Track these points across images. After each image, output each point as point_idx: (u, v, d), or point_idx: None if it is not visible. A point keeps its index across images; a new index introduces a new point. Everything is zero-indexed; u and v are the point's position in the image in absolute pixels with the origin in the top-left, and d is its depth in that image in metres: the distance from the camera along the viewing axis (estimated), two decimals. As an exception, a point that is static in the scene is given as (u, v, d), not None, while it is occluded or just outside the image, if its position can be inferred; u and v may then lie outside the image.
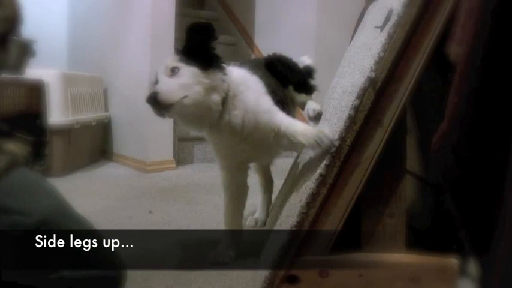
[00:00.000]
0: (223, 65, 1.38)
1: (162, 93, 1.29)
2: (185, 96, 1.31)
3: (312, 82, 1.79)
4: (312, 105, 1.64)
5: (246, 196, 1.61)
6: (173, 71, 1.32)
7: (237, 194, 1.58)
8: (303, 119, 1.59)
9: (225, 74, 1.37)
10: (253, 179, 1.61)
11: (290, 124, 1.38)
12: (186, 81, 1.31)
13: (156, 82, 1.33)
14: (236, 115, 1.39)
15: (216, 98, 1.35)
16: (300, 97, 1.73)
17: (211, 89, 1.34)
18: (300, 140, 1.33)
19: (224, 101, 1.37)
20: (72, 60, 4.08)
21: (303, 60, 1.84)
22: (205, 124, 1.42)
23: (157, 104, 1.28)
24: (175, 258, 1.57)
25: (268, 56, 1.81)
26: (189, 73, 1.32)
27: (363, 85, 1.18)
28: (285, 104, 1.56)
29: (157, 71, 1.36)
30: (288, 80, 1.68)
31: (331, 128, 1.29)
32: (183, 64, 1.33)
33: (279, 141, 1.41)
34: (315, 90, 1.78)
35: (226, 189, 1.57)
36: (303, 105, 1.73)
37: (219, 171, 1.59)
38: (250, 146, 1.45)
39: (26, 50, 0.99)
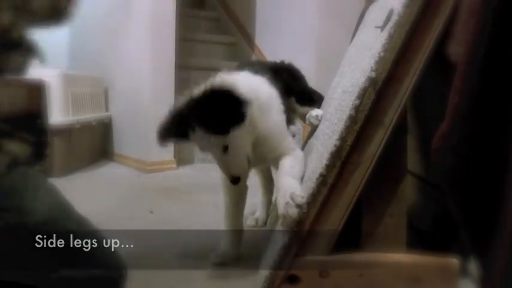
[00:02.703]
0: (247, 101, 1.31)
1: (241, 174, 1.36)
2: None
3: (313, 95, 1.78)
4: (314, 112, 1.62)
5: (245, 196, 1.61)
6: (223, 148, 1.32)
7: (237, 194, 1.58)
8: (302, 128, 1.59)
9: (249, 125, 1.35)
10: (253, 179, 1.61)
11: (283, 169, 1.38)
12: (242, 148, 1.34)
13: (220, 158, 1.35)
14: (254, 135, 1.39)
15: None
16: (302, 109, 1.71)
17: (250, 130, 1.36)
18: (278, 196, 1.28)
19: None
20: (73, 60, 4.07)
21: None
22: None
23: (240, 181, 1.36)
24: (176, 259, 1.57)
25: (276, 62, 1.80)
26: (235, 140, 1.32)
27: (363, 85, 1.18)
28: (287, 114, 1.55)
29: (201, 145, 1.38)
30: (291, 91, 1.67)
31: (332, 127, 1.29)
32: (224, 138, 1.30)
33: (274, 163, 1.44)
34: (317, 102, 1.77)
35: (227, 190, 1.57)
36: (302, 116, 1.71)
37: (219, 172, 1.58)
38: (254, 158, 1.43)
39: (29, 51, 0.99)
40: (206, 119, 1.29)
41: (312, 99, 1.75)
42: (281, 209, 1.19)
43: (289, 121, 1.54)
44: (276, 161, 1.43)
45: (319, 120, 1.55)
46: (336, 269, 1.21)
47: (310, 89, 1.80)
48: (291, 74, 1.73)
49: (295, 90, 1.69)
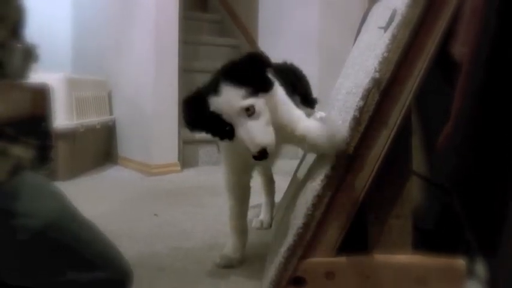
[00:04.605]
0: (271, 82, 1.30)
1: (270, 145, 1.21)
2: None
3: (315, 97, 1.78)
4: (318, 114, 1.61)
5: (249, 197, 1.60)
6: (249, 110, 1.22)
7: (241, 195, 1.57)
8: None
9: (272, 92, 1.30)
10: (254, 181, 1.61)
11: (310, 130, 1.33)
12: (269, 117, 1.25)
13: (230, 125, 1.23)
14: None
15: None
16: (304, 110, 1.70)
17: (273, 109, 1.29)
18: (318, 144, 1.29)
19: None
20: (77, 64, 4.09)
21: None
22: None
23: (268, 155, 1.21)
24: (181, 261, 1.58)
25: (278, 63, 1.80)
26: (263, 107, 1.24)
27: (367, 86, 1.17)
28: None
29: (219, 109, 1.23)
30: (296, 90, 1.65)
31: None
32: (253, 99, 1.23)
33: (301, 145, 1.41)
34: (317, 103, 1.76)
35: (231, 192, 1.56)
36: None
37: (223, 174, 1.58)
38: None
39: (29, 55, 0.99)
40: (236, 73, 1.25)
41: (314, 101, 1.76)
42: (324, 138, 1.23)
43: None
44: (295, 138, 1.36)
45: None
46: (342, 270, 1.21)
47: (311, 91, 1.79)
48: (295, 74, 1.73)
49: (300, 90, 1.67)
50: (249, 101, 1.22)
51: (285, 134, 1.34)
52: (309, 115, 1.63)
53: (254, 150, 1.20)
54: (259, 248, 1.60)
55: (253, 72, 1.26)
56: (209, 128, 1.29)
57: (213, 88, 1.24)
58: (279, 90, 1.36)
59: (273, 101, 1.29)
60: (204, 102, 1.24)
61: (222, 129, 1.25)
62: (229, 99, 1.22)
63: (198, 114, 1.27)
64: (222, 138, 1.29)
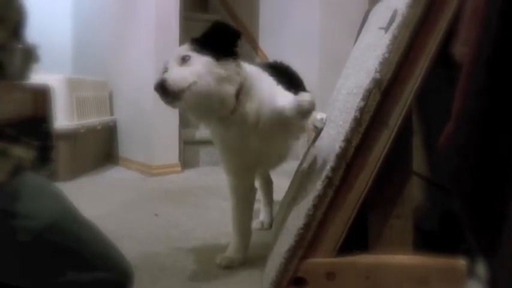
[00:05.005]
0: (238, 60, 1.36)
1: (171, 80, 1.27)
2: (195, 83, 1.28)
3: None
4: (319, 115, 1.61)
5: (254, 199, 1.59)
6: (184, 60, 1.31)
7: (244, 197, 1.56)
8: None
9: (239, 67, 1.35)
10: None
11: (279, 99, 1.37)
12: (196, 70, 1.29)
13: (166, 71, 1.32)
14: (251, 108, 1.37)
15: (230, 88, 1.32)
16: None
17: (224, 80, 1.31)
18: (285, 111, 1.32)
19: (238, 93, 1.35)
20: (77, 64, 4.09)
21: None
22: (216, 115, 1.38)
23: (166, 91, 1.26)
24: (182, 261, 1.58)
25: (274, 61, 1.80)
26: (200, 62, 1.30)
27: (368, 86, 1.17)
28: None
29: (168, 60, 1.34)
30: (292, 86, 1.66)
31: (337, 129, 1.29)
32: (194, 53, 1.31)
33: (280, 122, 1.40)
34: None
35: (233, 193, 1.55)
36: None
37: (226, 175, 1.58)
38: (260, 142, 1.42)
39: (29, 56, 1.00)
40: (201, 37, 1.37)
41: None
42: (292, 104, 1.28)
43: None
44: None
45: (324, 123, 1.54)
46: (343, 271, 1.21)
47: (304, 88, 1.78)
48: (290, 72, 1.73)
49: (295, 86, 1.67)
50: (188, 52, 1.31)
51: (267, 111, 1.38)
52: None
53: (155, 81, 1.27)
54: (259, 249, 1.60)
55: (213, 36, 1.35)
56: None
57: None
58: (266, 80, 1.44)
59: (240, 74, 1.35)
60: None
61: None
62: (177, 50, 1.34)
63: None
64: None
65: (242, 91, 1.35)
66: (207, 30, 1.37)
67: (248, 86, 1.37)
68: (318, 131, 1.51)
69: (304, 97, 1.28)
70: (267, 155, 1.52)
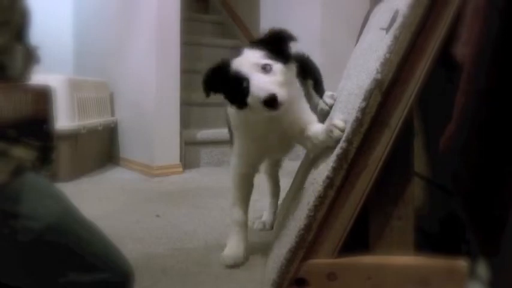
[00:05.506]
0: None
1: (280, 94, 1.27)
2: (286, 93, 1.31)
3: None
4: (329, 92, 1.62)
5: (251, 192, 1.63)
6: (265, 69, 1.32)
7: (246, 191, 1.61)
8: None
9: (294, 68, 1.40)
10: (257, 182, 1.62)
11: (314, 128, 1.39)
12: (281, 80, 1.32)
13: (247, 79, 1.30)
14: (286, 109, 1.36)
15: (293, 92, 1.38)
16: (315, 97, 1.72)
17: (291, 83, 1.37)
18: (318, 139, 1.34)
19: None
20: (78, 65, 4.10)
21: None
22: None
23: (278, 106, 1.27)
24: (183, 262, 1.58)
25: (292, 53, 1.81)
26: (279, 70, 1.33)
27: (369, 87, 1.17)
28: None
29: (239, 67, 1.33)
30: (309, 75, 1.69)
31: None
32: (271, 61, 1.33)
33: (303, 140, 1.44)
34: (324, 92, 1.77)
35: (239, 182, 1.59)
36: (314, 105, 1.71)
37: (230, 171, 1.61)
38: (280, 136, 1.47)
39: (31, 57, 1.00)
40: (259, 41, 1.40)
41: (323, 90, 1.76)
42: (323, 134, 1.29)
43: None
44: (301, 134, 1.42)
45: (334, 100, 1.56)
46: (344, 271, 1.21)
47: (322, 80, 1.80)
48: (307, 63, 1.75)
49: (312, 76, 1.71)
50: (267, 61, 1.32)
51: (295, 129, 1.42)
52: (316, 103, 1.67)
53: (263, 95, 1.26)
54: (261, 249, 1.60)
55: (275, 42, 1.37)
56: (226, 88, 1.37)
57: (236, 56, 1.37)
58: (299, 91, 1.48)
59: (290, 79, 1.39)
60: (227, 66, 1.35)
61: (239, 87, 1.31)
62: (249, 57, 1.34)
63: (219, 75, 1.37)
64: (236, 99, 1.35)
65: None
66: (266, 36, 1.40)
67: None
68: (327, 112, 1.53)
69: (337, 124, 1.27)
70: (278, 149, 1.59)
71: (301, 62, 1.63)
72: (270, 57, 1.33)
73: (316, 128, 1.38)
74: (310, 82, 1.69)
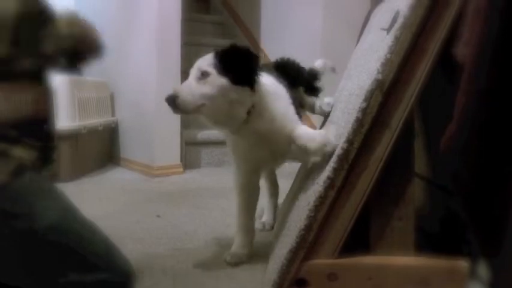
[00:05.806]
0: (257, 81, 1.37)
1: (182, 97, 1.31)
2: (203, 105, 1.32)
3: (318, 84, 1.80)
4: (326, 99, 1.64)
5: (258, 197, 1.63)
6: (203, 75, 1.32)
7: (250, 194, 1.60)
8: (308, 121, 1.59)
9: (253, 92, 1.36)
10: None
11: (302, 133, 1.38)
12: (210, 92, 1.31)
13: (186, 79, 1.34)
14: (261, 125, 1.39)
15: (241, 111, 1.36)
16: (309, 99, 1.73)
17: (235, 102, 1.34)
18: (307, 146, 1.33)
19: (250, 111, 1.37)
20: (79, 65, 4.09)
21: (318, 64, 1.86)
22: (226, 129, 1.46)
23: (176, 107, 1.32)
24: (183, 262, 1.57)
25: (277, 60, 1.81)
26: (217, 83, 1.32)
27: (370, 87, 1.17)
28: (296, 106, 1.56)
29: (195, 66, 1.36)
30: (297, 82, 1.69)
31: (339, 130, 1.28)
32: (215, 71, 1.32)
33: (291, 148, 1.43)
34: (321, 91, 1.78)
35: (240, 190, 1.59)
36: (310, 107, 1.73)
37: (231, 174, 1.61)
38: (268, 152, 1.48)
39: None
40: (225, 55, 1.35)
41: (318, 89, 1.77)
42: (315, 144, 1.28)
43: (298, 113, 1.54)
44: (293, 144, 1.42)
45: (332, 107, 1.57)
46: (344, 272, 1.21)
47: (311, 78, 1.81)
48: (294, 67, 1.75)
49: (301, 81, 1.72)
50: (209, 68, 1.32)
51: (283, 142, 1.42)
52: (312, 103, 1.69)
53: (168, 94, 1.32)
54: (261, 250, 1.60)
55: (234, 59, 1.35)
56: None
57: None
58: (281, 99, 1.45)
59: (262, 101, 1.38)
60: None
61: None
62: (201, 60, 1.36)
63: None
64: None
65: (255, 109, 1.38)
66: (228, 50, 1.37)
67: (262, 105, 1.39)
68: (325, 116, 1.53)
69: (329, 135, 1.29)
70: (272, 158, 1.56)
71: (286, 69, 1.65)
72: (218, 68, 1.32)
73: (301, 132, 1.38)
74: (301, 88, 1.71)
